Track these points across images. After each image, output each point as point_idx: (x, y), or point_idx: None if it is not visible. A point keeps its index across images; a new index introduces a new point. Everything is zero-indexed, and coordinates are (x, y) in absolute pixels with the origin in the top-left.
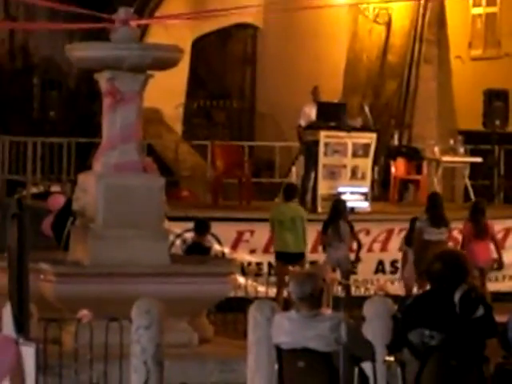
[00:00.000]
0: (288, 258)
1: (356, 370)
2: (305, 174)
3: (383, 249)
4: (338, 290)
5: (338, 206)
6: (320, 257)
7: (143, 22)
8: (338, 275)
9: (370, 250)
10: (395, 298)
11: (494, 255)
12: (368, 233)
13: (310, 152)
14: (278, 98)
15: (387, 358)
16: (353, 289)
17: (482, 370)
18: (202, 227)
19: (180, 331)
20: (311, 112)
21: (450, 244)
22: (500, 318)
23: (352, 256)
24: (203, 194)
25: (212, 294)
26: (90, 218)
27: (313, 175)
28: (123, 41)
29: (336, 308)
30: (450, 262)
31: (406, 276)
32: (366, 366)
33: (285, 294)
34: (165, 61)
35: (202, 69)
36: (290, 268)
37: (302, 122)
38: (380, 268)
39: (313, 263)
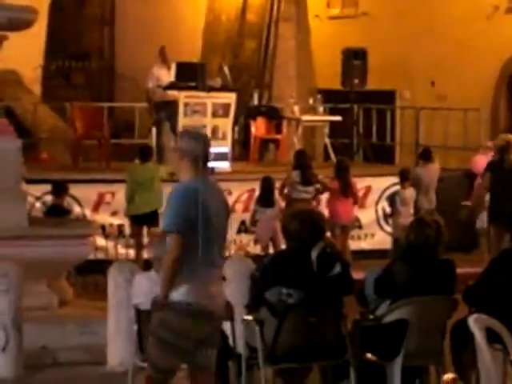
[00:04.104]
0: (145, 219)
1: None
2: (161, 135)
3: (245, 209)
4: None
5: None
6: None
7: None
8: None
9: (232, 210)
10: (255, 258)
11: (356, 213)
12: (230, 193)
13: (169, 112)
14: (137, 58)
15: (246, 317)
16: None
17: (339, 326)
18: (58, 189)
19: (39, 294)
20: (159, 73)
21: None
22: (359, 276)
23: None
24: (63, 156)
25: (71, 256)
26: None
27: (171, 135)
28: None
29: None
30: (307, 220)
31: (259, 235)
32: (225, 326)
33: (145, 255)
34: (19, 21)
35: (60, 30)
36: (151, 229)
37: (150, 84)
38: (242, 228)
39: None
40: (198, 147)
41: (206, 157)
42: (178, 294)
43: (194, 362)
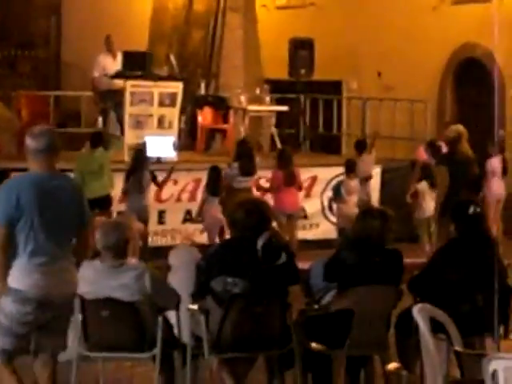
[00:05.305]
0: (95, 205)
1: (160, 318)
2: (108, 124)
3: (191, 198)
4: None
5: (138, 155)
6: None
7: None
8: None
9: (178, 199)
10: (201, 247)
11: (302, 203)
12: (176, 182)
13: (115, 101)
14: (83, 46)
15: (191, 307)
16: (159, 238)
17: (284, 316)
18: (1, 178)
19: None
20: (105, 62)
21: (256, 192)
22: (304, 266)
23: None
24: (8, 144)
25: None
26: None
27: (117, 124)
28: None
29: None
30: (252, 209)
31: (208, 224)
32: (170, 315)
33: None
34: None
35: (5, 18)
36: (97, 218)
37: (96, 73)
38: (188, 217)
39: (120, 213)
40: (35, 143)
41: (45, 151)
42: (11, 281)
43: (33, 347)
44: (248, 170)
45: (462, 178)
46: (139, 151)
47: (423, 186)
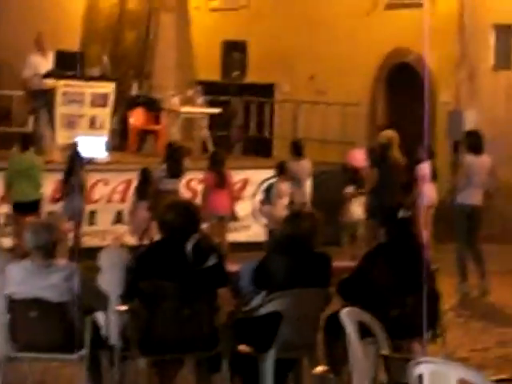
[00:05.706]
0: (25, 208)
1: (88, 319)
2: (39, 123)
3: (122, 200)
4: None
5: (73, 156)
6: (58, 207)
7: None
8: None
9: (109, 200)
10: (131, 249)
11: (233, 205)
12: (107, 183)
13: (47, 101)
14: (15, 45)
15: (120, 308)
16: (90, 239)
17: (213, 318)
18: None
19: None
20: (36, 61)
21: (187, 195)
22: (235, 268)
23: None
24: None
25: None
26: None
27: (48, 124)
28: None
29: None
30: (182, 211)
31: (134, 226)
32: (99, 316)
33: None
34: None
35: None
36: (27, 219)
37: (26, 73)
38: (119, 219)
39: (50, 213)
40: None
41: None
42: None
43: None
44: (175, 172)
45: (388, 184)
46: (73, 152)
47: (351, 190)
